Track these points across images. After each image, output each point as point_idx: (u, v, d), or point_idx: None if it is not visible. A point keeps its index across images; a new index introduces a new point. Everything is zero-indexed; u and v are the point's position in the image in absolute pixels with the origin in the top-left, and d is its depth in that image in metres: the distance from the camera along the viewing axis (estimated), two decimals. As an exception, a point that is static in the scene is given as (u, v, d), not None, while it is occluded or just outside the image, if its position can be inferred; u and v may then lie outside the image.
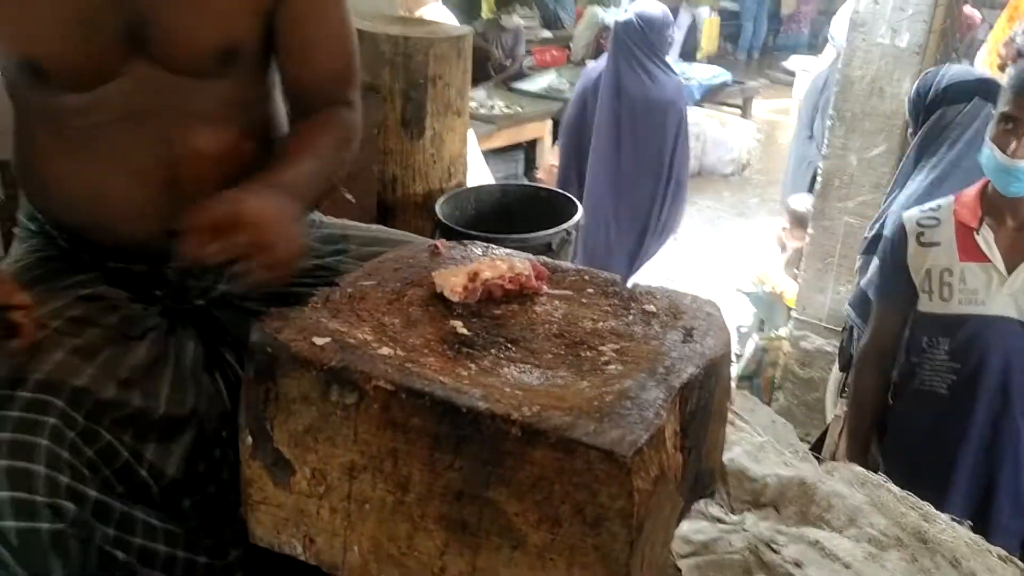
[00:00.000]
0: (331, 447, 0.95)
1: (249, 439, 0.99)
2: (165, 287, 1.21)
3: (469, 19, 6.94)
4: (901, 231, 2.16)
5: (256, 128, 1.22)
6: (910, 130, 2.56)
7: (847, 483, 1.74)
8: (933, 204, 2.19)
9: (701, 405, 1.00)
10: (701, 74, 7.79)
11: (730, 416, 2.00)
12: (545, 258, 1.23)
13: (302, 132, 1.21)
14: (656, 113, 3.98)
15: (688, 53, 8.28)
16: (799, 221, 4.18)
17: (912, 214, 2.18)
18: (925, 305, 2.12)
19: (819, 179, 4.14)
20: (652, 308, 1.12)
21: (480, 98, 5.81)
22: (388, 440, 0.92)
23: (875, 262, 2.30)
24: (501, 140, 5.43)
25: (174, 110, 1.13)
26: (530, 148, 5.81)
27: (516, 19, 7.01)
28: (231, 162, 1.17)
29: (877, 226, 2.59)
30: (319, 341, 0.96)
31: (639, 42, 3.89)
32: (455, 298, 1.08)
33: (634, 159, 4.01)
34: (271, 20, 1.18)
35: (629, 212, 4.10)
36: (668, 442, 0.91)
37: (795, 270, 4.17)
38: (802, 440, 2.23)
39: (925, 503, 1.66)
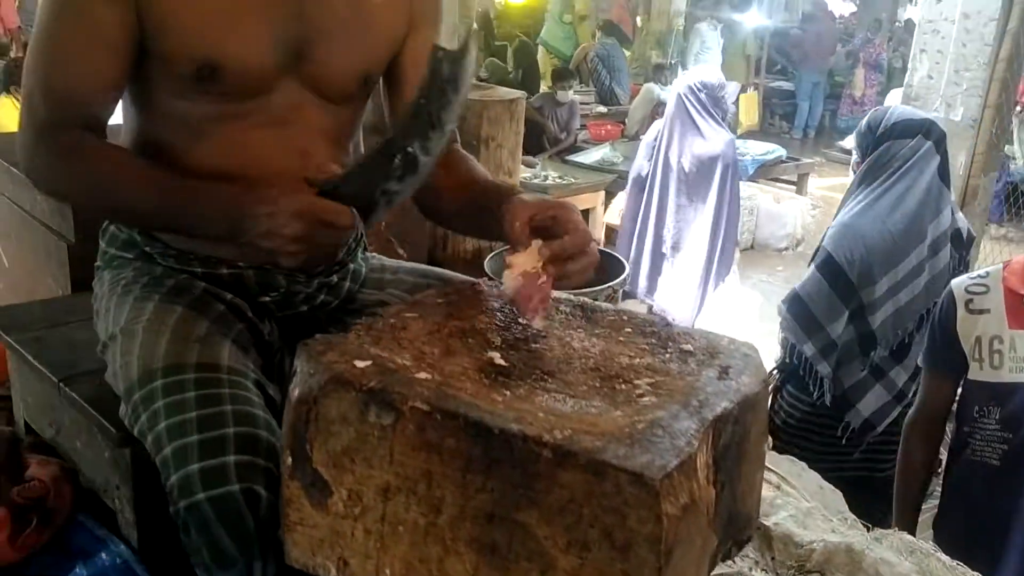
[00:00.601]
0: (367, 468, 0.97)
1: (289, 459, 1.02)
2: (274, 292, 1.32)
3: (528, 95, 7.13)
4: (950, 298, 2.15)
5: (350, 149, 1.37)
6: (856, 159, 2.75)
7: (895, 551, 1.70)
8: (982, 271, 2.19)
9: (735, 441, 1.00)
10: (755, 149, 7.84)
11: (776, 480, 1.98)
12: (585, 299, 1.25)
13: (468, 162, 1.37)
14: (705, 164, 4.44)
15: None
16: None
17: (961, 281, 2.17)
18: (975, 373, 2.09)
19: (873, 251, 4.11)
20: (689, 347, 1.13)
21: (534, 169, 5.93)
22: (422, 461, 0.94)
23: (927, 333, 2.28)
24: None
25: (307, 126, 1.25)
26: (583, 218, 5.88)
27: (571, 94, 7.17)
28: None
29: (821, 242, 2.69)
30: (360, 364, 0.99)
31: (695, 102, 4.40)
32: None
33: (683, 207, 4.53)
34: (397, 50, 1.34)
35: (678, 255, 4.44)
36: (700, 473, 0.91)
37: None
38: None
39: (976, 574, 1.61)
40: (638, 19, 9.64)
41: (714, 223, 4.47)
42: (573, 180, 5.88)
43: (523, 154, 6.55)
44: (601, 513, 0.86)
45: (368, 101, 1.38)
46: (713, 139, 4.42)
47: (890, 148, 2.58)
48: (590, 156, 6.70)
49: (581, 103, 7.70)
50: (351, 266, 1.42)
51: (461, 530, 0.93)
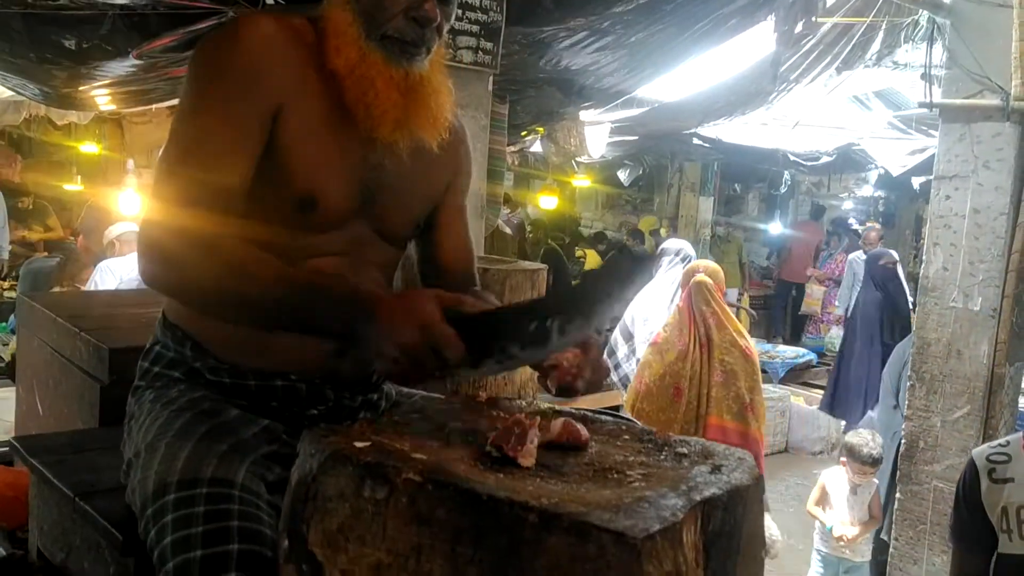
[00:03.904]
0: (360, 546, 0.98)
1: (285, 542, 1.04)
2: (322, 405, 1.38)
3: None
4: (972, 469, 2.13)
5: (391, 282, 1.50)
6: None
7: None
8: (1002, 440, 2.18)
9: (726, 530, 1.00)
10: (786, 354, 7.91)
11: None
12: (585, 411, 1.29)
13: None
14: None
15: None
16: (854, 454, 4.06)
17: (981, 451, 2.16)
18: (1005, 546, 2.03)
19: (903, 442, 4.04)
20: (684, 451, 1.15)
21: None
22: (413, 535, 0.95)
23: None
24: (585, 404, 5.54)
25: (367, 259, 1.39)
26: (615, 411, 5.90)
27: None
28: None
29: None
30: (360, 444, 1.03)
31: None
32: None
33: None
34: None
35: None
36: (687, 548, 0.92)
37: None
38: None
39: None
40: (662, 230, 10.08)
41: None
42: (601, 376, 5.95)
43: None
44: (586, 577, 0.86)
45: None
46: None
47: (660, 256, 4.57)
48: (620, 357, 6.79)
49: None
50: (385, 389, 1.50)
51: (449, 607, 0.93)
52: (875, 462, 4.00)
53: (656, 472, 1.06)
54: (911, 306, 6.36)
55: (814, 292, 10.03)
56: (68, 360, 2.09)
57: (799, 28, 4.12)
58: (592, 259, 9.98)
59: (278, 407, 1.36)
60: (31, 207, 7.93)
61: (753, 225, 11.00)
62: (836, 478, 4.13)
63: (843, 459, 4.11)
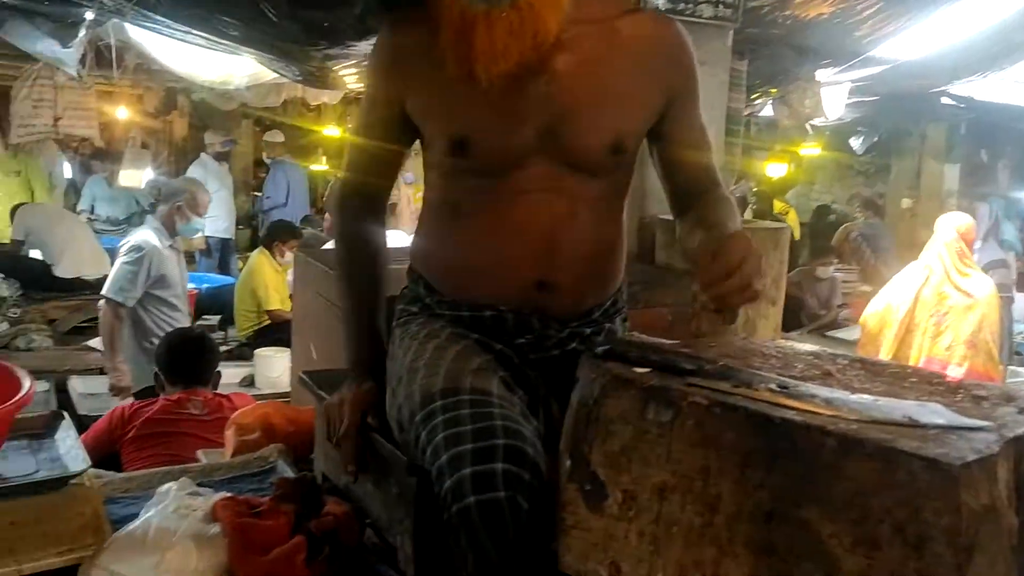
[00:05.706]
0: (644, 467, 1.00)
1: (568, 462, 1.08)
2: (528, 335, 1.45)
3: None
4: None
5: (611, 218, 1.49)
6: None
7: None
8: None
9: (1040, 475, 0.93)
10: None
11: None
12: (862, 356, 1.23)
13: (718, 204, 1.45)
14: None
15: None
16: None
17: None
18: None
19: None
20: (983, 393, 1.07)
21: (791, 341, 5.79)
22: (700, 458, 0.96)
23: None
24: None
25: (565, 194, 1.41)
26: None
27: (831, 271, 7.01)
28: (593, 240, 1.45)
29: None
30: (640, 370, 1.05)
31: None
32: None
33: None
34: (654, 121, 1.46)
35: None
36: (1001, 484, 0.86)
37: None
38: None
39: None
40: (904, 200, 9.37)
41: None
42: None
43: (781, 329, 6.44)
44: (892, 506, 0.83)
45: (629, 175, 1.51)
46: None
47: None
48: (852, 333, 6.41)
49: (844, 281, 7.48)
50: (607, 325, 1.52)
51: (738, 530, 0.93)
52: None
53: (958, 411, 0.99)
54: None
55: None
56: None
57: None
58: (792, 219, 9.46)
59: (489, 336, 1.45)
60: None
61: (1005, 195, 9.98)
62: None
63: None
